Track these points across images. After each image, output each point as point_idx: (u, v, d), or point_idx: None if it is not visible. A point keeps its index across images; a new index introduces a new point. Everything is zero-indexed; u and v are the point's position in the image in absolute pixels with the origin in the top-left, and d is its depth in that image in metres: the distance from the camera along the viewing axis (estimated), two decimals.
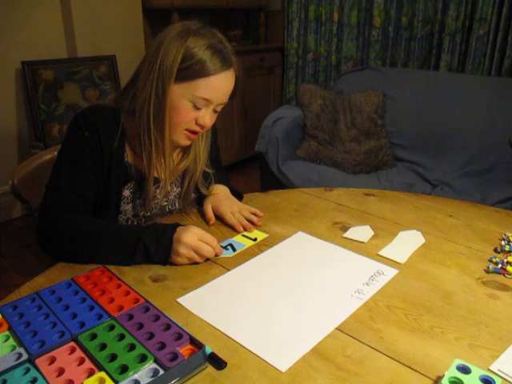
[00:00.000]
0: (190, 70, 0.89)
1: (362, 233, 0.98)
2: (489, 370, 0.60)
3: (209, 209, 1.06)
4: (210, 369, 0.60)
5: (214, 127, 1.17)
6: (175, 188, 1.09)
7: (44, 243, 0.91)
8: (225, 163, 3.11)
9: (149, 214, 1.05)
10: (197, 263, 0.86)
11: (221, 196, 1.09)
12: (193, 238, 0.85)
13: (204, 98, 0.91)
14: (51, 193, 0.93)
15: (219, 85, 0.92)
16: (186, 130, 0.95)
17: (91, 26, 2.66)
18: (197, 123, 0.95)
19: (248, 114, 3.39)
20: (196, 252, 0.86)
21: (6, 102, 2.52)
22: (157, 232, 0.87)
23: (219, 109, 0.97)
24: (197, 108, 0.93)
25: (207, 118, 0.94)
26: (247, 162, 3.48)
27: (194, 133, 0.97)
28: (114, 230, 0.90)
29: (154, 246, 0.85)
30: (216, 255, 0.89)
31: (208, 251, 0.86)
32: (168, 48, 0.89)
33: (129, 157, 0.99)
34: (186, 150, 1.06)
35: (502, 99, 2.23)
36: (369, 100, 2.46)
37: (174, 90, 0.91)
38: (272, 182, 2.39)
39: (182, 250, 0.85)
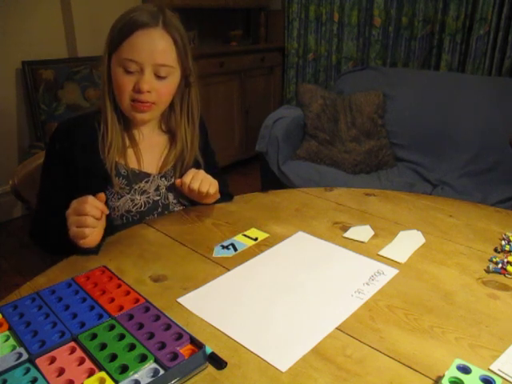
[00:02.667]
0: (117, 37, 0.94)
1: (362, 233, 0.98)
2: (489, 369, 0.60)
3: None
4: (211, 369, 0.60)
5: (205, 127, 1.18)
6: (166, 181, 1.09)
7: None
8: (225, 163, 3.15)
9: (142, 209, 1.06)
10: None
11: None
12: (71, 207, 0.86)
13: (127, 58, 0.93)
14: (37, 199, 1.03)
15: (142, 43, 0.93)
16: (131, 100, 0.97)
17: (91, 25, 2.67)
18: (134, 90, 0.95)
19: (248, 113, 3.39)
20: (79, 214, 0.84)
21: (6, 102, 2.52)
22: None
23: (162, 73, 0.96)
24: (128, 72, 0.94)
25: (142, 81, 0.94)
26: (247, 162, 3.48)
27: (138, 101, 0.97)
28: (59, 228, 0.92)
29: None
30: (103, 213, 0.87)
31: (86, 209, 0.83)
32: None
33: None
34: (172, 141, 1.10)
35: (502, 99, 2.23)
36: (369, 100, 2.46)
37: (112, 62, 0.96)
38: (272, 181, 2.39)
39: (68, 222, 0.85)
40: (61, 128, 1.02)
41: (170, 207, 1.11)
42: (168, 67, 0.97)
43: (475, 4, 2.53)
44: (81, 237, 0.85)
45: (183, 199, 1.12)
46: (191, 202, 1.13)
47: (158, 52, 0.94)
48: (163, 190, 1.09)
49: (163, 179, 1.09)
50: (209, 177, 1.06)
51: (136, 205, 1.05)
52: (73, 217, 0.85)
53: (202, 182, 1.03)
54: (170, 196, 1.10)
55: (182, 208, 1.12)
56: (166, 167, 1.09)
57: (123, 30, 0.94)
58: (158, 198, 1.08)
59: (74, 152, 0.99)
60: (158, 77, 0.96)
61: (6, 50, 2.43)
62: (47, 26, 2.57)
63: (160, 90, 0.98)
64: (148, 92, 0.96)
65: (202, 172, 1.06)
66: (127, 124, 1.05)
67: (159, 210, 1.09)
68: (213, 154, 1.22)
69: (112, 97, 1.00)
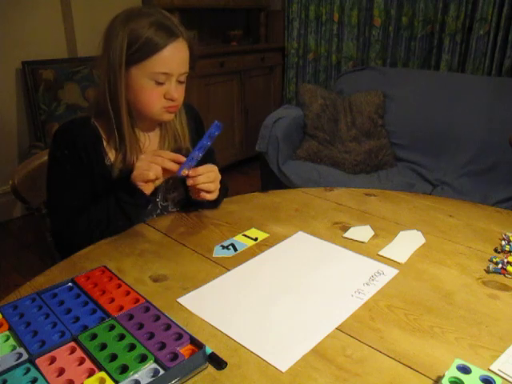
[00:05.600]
0: (142, 52, 0.94)
1: (362, 233, 0.98)
2: (489, 369, 0.60)
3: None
4: (210, 369, 0.60)
5: (200, 119, 1.20)
6: (164, 182, 1.09)
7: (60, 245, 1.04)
8: (225, 163, 3.15)
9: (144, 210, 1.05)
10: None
11: None
12: (146, 155, 0.94)
13: (162, 72, 0.96)
14: (56, 205, 1.00)
15: (172, 56, 0.96)
16: (163, 107, 0.99)
17: (91, 25, 2.67)
18: (165, 98, 0.98)
19: (248, 113, 3.39)
20: (152, 162, 0.92)
21: (6, 102, 2.52)
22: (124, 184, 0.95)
23: (183, 79, 1.00)
24: (159, 83, 0.97)
25: (173, 90, 0.98)
26: (248, 162, 3.48)
27: (170, 107, 1.00)
28: (104, 206, 0.96)
29: (126, 193, 0.94)
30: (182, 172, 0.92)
31: (163, 160, 0.92)
32: (113, 38, 0.94)
33: (111, 159, 1.02)
34: (162, 133, 1.10)
35: (502, 99, 2.23)
36: (369, 100, 2.46)
37: (134, 73, 0.96)
38: (272, 181, 2.39)
39: (138, 163, 0.93)
40: (64, 130, 1.01)
41: (169, 208, 1.11)
42: (187, 73, 1.01)
43: (475, 4, 2.53)
44: (143, 179, 0.92)
45: (180, 202, 1.12)
46: (190, 202, 1.12)
47: (183, 62, 0.99)
48: (161, 192, 1.09)
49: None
50: (218, 180, 1.04)
51: None
52: (145, 161, 0.92)
53: (215, 180, 1.02)
54: (169, 197, 1.11)
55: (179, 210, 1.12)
56: None
57: (151, 45, 0.93)
58: (158, 199, 1.09)
59: (80, 154, 0.98)
60: (179, 82, 1.00)
61: (6, 49, 2.44)
62: (47, 26, 2.57)
63: (181, 93, 1.01)
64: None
65: (216, 171, 1.03)
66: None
67: (158, 211, 1.09)
68: (212, 152, 1.22)
69: (127, 103, 0.99)
